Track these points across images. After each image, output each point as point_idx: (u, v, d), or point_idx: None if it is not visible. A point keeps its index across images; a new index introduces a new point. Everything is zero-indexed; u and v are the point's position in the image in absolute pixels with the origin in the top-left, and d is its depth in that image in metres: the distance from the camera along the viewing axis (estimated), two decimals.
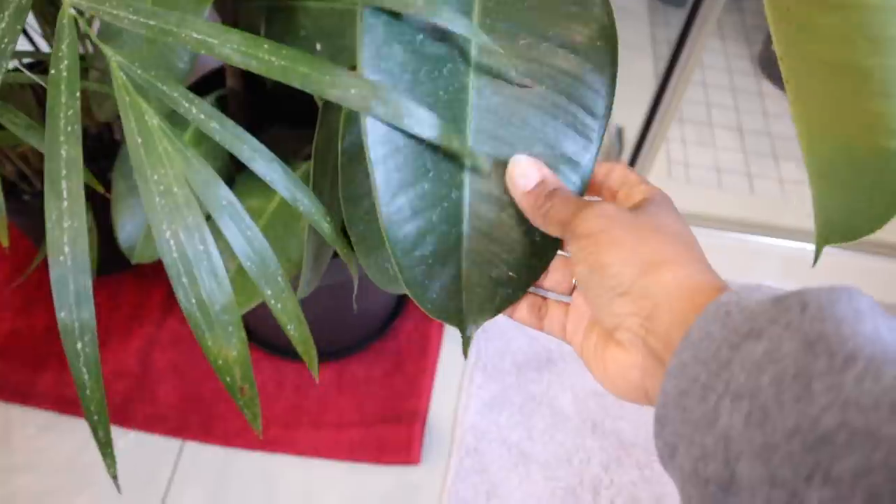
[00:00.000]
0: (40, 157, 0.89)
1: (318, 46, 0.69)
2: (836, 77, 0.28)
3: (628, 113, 1.11)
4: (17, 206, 0.95)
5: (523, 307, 0.41)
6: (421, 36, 0.38)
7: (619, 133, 1.17)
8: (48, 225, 0.29)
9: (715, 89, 1.48)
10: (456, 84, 0.39)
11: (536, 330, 0.42)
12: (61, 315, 0.30)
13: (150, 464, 0.96)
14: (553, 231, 0.37)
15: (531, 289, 0.41)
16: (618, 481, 1.00)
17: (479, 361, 1.09)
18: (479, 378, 1.08)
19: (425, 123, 0.35)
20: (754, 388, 0.25)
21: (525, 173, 0.38)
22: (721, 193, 1.27)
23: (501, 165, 0.39)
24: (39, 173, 0.92)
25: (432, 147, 0.38)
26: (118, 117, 0.71)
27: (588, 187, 0.40)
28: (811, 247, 1.16)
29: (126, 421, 0.98)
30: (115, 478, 0.35)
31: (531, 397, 1.07)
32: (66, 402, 0.99)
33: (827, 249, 1.09)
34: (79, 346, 0.31)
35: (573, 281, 0.41)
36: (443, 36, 0.38)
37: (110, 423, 0.98)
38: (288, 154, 0.88)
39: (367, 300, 1.01)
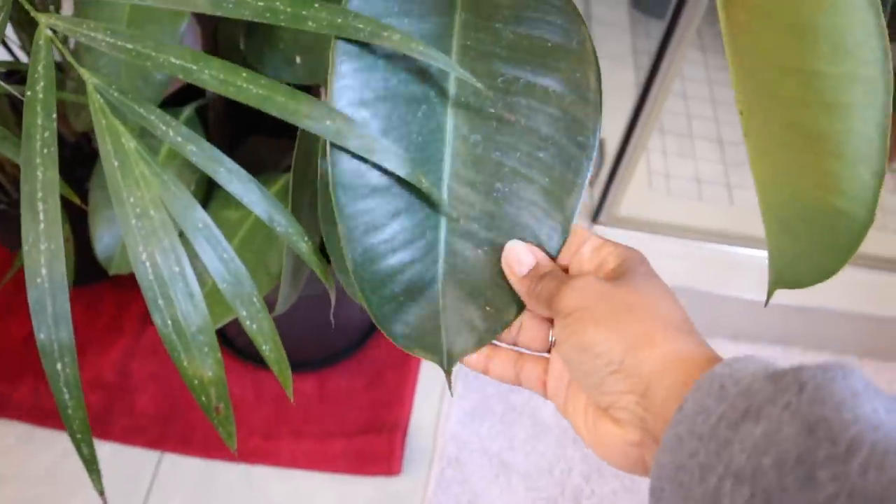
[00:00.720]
0: (17, 166, 0.88)
1: (298, 59, 0.69)
2: (793, 136, 0.30)
3: (609, 124, 1.11)
4: None
5: (498, 364, 0.40)
6: (395, 80, 0.37)
7: (600, 145, 1.18)
8: (25, 247, 0.29)
9: (695, 101, 1.49)
10: (432, 124, 0.38)
11: (514, 385, 0.41)
12: (41, 336, 0.30)
13: (128, 476, 0.95)
14: (542, 310, 0.37)
15: (506, 345, 0.41)
16: (599, 491, 1.00)
17: (460, 371, 1.10)
18: (461, 388, 1.08)
19: (396, 161, 0.35)
20: (756, 471, 0.25)
21: (520, 259, 0.38)
22: (701, 204, 1.28)
23: (481, 201, 0.39)
24: (16, 182, 0.91)
25: (406, 188, 0.37)
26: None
27: (572, 224, 0.40)
28: None
29: (104, 433, 0.97)
30: (101, 493, 0.35)
31: (512, 407, 1.07)
32: (43, 415, 0.98)
33: None
34: (59, 366, 0.30)
35: (550, 338, 0.40)
36: (419, 76, 0.38)
37: None
38: (268, 164, 0.88)
39: (347, 311, 1.01)
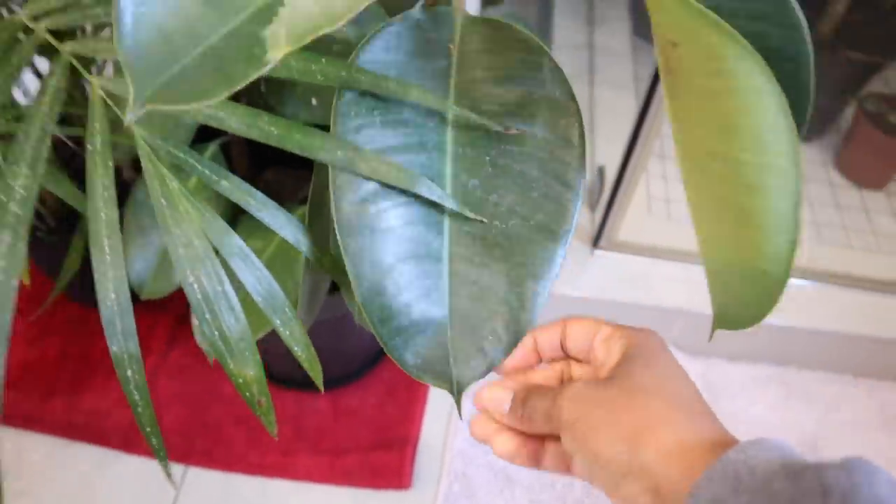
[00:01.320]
0: (56, 198, 0.95)
1: (314, 101, 0.75)
2: (723, 209, 0.35)
3: (609, 150, 1.15)
4: (33, 242, 1.00)
5: (522, 453, 0.40)
6: (393, 136, 0.41)
7: (601, 172, 1.23)
8: (97, 276, 0.35)
9: None
10: (432, 172, 0.42)
11: (539, 470, 0.41)
12: (113, 348, 0.36)
13: (156, 488, 1.00)
14: (543, 429, 0.37)
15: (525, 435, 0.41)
16: None
17: (468, 389, 1.14)
18: (468, 407, 1.12)
19: (403, 176, 0.39)
20: None
21: (494, 398, 0.40)
22: None
23: (480, 239, 0.42)
24: (55, 213, 0.98)
25: (410, 225, 0.41)
26: (129, 161, 0.76)
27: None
28: (796, 281, 1.20)
29: (132, 447, 1.03)
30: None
31: None
32: (74, 429, 1.04)
33: (822, 286, 1.10)
34: (129, 372, 0.37)
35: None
36: (418, 132, 0.42)
37: (116, 449, 1.01)
38: (286, 196, 0.94)
39: (360, 334, 1.06)
